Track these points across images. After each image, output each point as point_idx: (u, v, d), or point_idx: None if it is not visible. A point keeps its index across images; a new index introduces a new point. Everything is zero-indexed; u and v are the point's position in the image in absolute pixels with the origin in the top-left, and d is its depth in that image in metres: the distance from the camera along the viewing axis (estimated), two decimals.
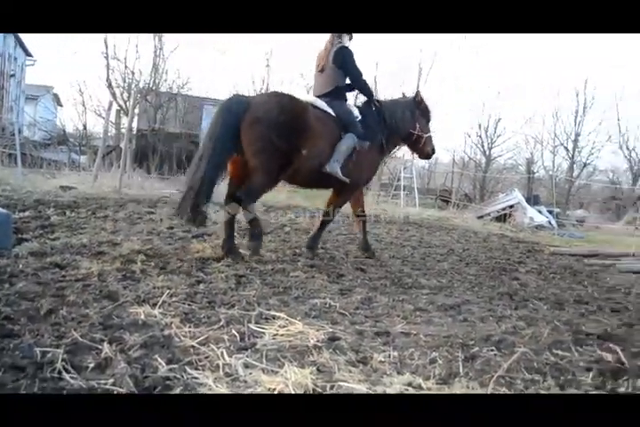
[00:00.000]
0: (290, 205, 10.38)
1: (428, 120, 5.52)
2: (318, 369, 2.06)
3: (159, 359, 1.95)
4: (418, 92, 5.53)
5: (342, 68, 4.84)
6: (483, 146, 20.26)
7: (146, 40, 16.81)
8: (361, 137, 4.79)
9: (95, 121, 19.83)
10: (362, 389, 1.87)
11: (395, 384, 1.96)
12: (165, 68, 16.96)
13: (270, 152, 4.14)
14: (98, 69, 25.99)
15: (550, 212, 13.09)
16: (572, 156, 19.49)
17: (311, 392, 1.83)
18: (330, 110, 4.77)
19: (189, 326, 2.42)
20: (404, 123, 5.27)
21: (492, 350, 2.50)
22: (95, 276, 3.17)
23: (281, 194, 12.02)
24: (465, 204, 15.25)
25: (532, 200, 14.04)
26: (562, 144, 19.74)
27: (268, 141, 4.11)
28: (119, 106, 16.24)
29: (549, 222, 12.08)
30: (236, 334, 2.37)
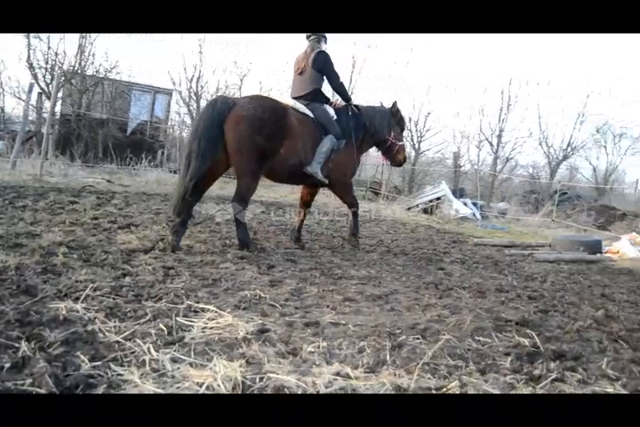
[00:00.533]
0: (220, 195, 10.24)
1: (402, 129, 5.91)
2: (247, 362, 2.05)
3: (82, 356, 1.88)
4: (395, 103, 5.85)
5: (321, 72, 5.12)
6: (412, 139, 20.71)
7: None
8: (338, 137, 5.08)
9: (14, 104, 18.67)
10: (291, 380, 1.88)
11: (324, 374, 1.99)
12: (92, 51, 16.20)
13: (252, 151, 4.37)
14: (18, 48, 24.47)
15: (475, 204, 13.57)
16: (496, 151, 20.30)
17: (240, 386, 1.83)
18: (309, 112, 5.02)
19: (114, 321, 2.35)
20: (382, 128, 5.62)
21: (417, 338, 2.58)
22: (12, 269, 3.00)
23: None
24: (394, 196, 15.57)
25: (458, 193, 14.51)
26: (487, 139, 20.51)
27: (250, 140, 4.33)
28: (41, 89, 15.37)
29: (474, 214, 12.54)
30: (164, 328, 2.32)
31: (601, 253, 7.52)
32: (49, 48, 15.29)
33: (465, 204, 13.11)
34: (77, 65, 15.85)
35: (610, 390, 2.13)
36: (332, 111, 5.25)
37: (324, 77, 5.19)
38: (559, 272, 5.52)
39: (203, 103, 16.66)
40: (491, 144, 20.39)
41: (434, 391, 1.95)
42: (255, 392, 1.80)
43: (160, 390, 1.70)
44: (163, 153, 16.43)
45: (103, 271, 3.26)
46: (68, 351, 1.94)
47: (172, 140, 16.30)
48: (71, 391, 1.65)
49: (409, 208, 13.00)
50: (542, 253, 6.82)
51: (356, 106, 5.57)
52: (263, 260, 4.28)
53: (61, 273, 3.10)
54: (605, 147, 24.29)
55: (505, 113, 20.05)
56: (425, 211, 12.59)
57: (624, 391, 2.13)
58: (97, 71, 16.22)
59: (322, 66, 5.11)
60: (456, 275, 4.64)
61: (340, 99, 5.54)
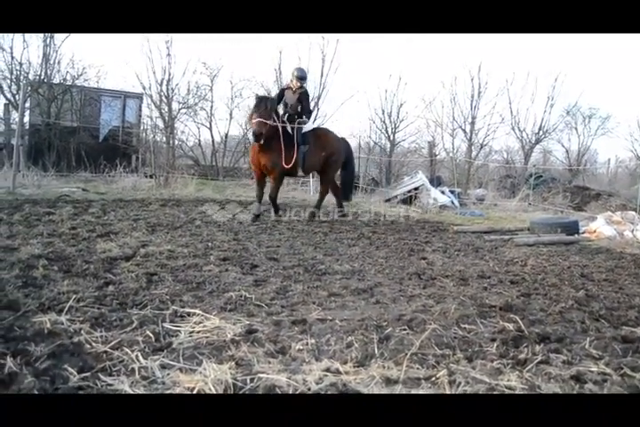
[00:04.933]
0: (198, 197, 10.19)
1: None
2: (237, 363, 2.06)
3: (70, 369, 1.87)
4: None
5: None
6: (387, 131, 20.72)
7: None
8: None
9: None
10: (282, 379, 1.90)
11: (314, 371, 2.01)
12: (58, 58, 15.92)
13: None
14: None
15: (452, 192, 13.66)
16: (470, 138, 20.39)
17: (232, 388, 1.83)
18: None
19: (100, 331, 2.34)
20: None
21: (404, 330, 2.62)
22: None
23: (189, 187, 11.77)
24: (372, 188, 15.61)
25: (435, 181, 14.56)
26: (460, 127, 20.57)
27: None
28: (7, 100, 15.08)
29: (452, 202, 12.63)
30: (151, 335, 2.32)
31: (578, 233, 7.65)
32: (12, 58, 15.02)
33: (443, 192, 13.19)
34: (43, 74, 15.57)
35: (594, 369, 2.18)
36: None
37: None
38: (539, 255, 5.61)
39: (174, 106, 16.50)
40: (464, 131, 20.47)
41: (423, 381, 1.97)
42: (247, 393, 1.81)
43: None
44: (137, 158, 16.21)
45: (85, 281, 3.23)
46: (55, 365, 1.93)
47: (146, 144, 16.09)
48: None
49: (388, 200, 13.05)
50: (521, 237, 6.91)
51: None
52: (246, 260, 4.28)
53: (43, 286, 3.07)
54: (576, 128, 24.57)
55: (476, 100, 20.16)
56: (404, 201, 12.64)
57: (608, 370, 2.18)
58: (64, 79, 15.96)
59: None
60: (438, 264, 4.68)
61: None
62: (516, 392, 1.95)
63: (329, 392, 1.84)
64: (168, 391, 1.78)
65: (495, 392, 1.94)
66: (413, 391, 1.89)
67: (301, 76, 7.74)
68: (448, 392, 1.90)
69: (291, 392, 1.82)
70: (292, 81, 7.75)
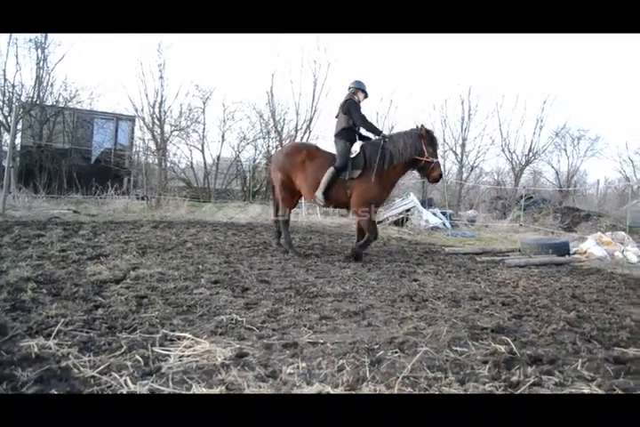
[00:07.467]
0: (190, 220, 10.17)
1: (434, 149, 6.33)
2: (227, 388, 2.04)
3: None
4: (422, 126, 6.33)
5: (347, 114, 6.40)
6: None
7: (27, 52, 15.78)
8: (338, 168, 6.18)
9: None
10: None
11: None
12: (51, 81, 16.05)
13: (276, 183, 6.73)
14: None
15: (444, 213, 13.72)
16: (461, 160, 20.61)
17: None
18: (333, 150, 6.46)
19: (89, 355, 2.31)
20: (405, 150, 6.19)
21: (395, 352, 2.60)
22: None
23: (180, 209, 11.76)
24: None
25: (427, 203, 14.64)
26: (451, 149, 20.82)
27: (274, 175, 6.72)
28: None
29: (444, 224, 12.67)
30: (140, 360, 2.29)
31: (569, 254, 7.68)
32: (5, 80, 15.10)
33: (434, 214, 13.25)
34: (36, 96, 15.67)
35: (586, 390, 2.17)
36: (356, 147, 6.42)
37: (352, 119, 6.38)
38: (530, 276, 5.62)
39: (167, 128, 16.59)
40: (455, 153, 20.72)
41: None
42: (247, 393, 1.79)
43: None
44: (129, 180, 16.24)
45: (74, 305, 3.20)
46: (42, 390, 1.90)
47: (138, 166, 16.12)
48: None
49: (379, 221, 13.06)
50: (513, 259, 6.93)
51: (384, 135, 6.38)
52: (237, 282, 4.26)
53: (31, 309, 3.03)
54: (565, 150, 24.93)
55: (467, 122, 20.42)
56: (395, 223, 12.67)
57: (600, 391, 2.17)
58: (56, 101, 16.05)
59: (347, 110, 6.38)
60: (430, 286, 4.68)
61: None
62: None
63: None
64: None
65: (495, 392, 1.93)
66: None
67: (365, 91, 6.69)
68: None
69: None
70: (356, 95, 6.57)
